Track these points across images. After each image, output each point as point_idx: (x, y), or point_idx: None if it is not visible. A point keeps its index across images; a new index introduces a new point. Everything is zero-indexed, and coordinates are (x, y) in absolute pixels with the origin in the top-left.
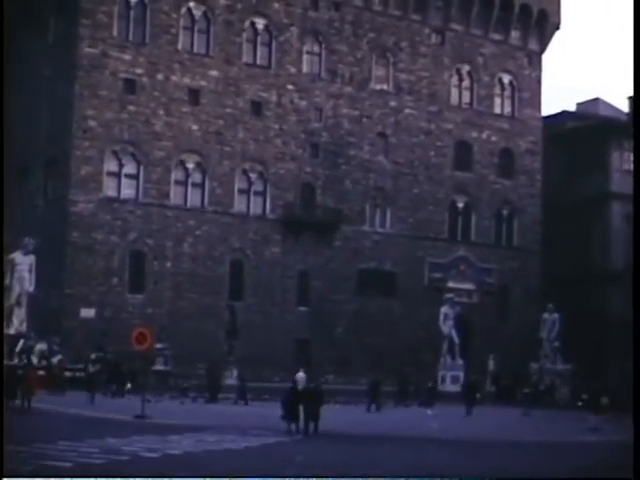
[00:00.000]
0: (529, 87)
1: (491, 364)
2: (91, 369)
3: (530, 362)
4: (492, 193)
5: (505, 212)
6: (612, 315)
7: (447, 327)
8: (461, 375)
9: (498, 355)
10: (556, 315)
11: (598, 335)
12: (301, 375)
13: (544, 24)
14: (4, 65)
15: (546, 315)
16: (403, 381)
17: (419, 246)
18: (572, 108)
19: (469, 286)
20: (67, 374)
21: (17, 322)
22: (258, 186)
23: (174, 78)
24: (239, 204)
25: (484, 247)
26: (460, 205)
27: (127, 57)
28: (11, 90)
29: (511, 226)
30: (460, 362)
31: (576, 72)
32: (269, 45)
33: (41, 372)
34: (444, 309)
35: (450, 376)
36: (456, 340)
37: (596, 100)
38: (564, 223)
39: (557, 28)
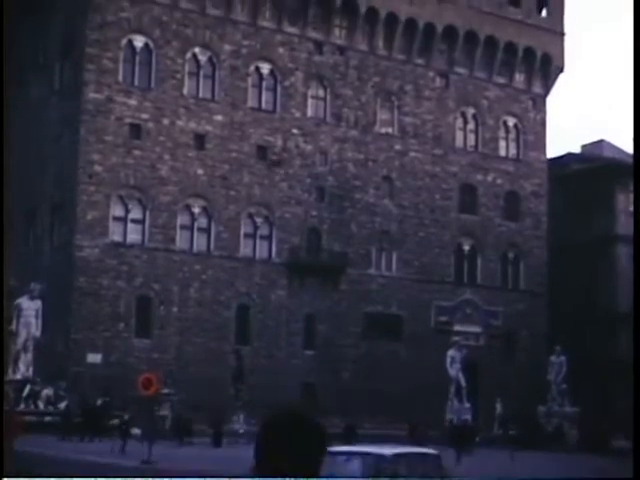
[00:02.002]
0: (534, 130)
1: (498, 407)
2: (125, 417)
3: (537, 405)
4: (498, 236)
5: (511, 254)
6: (619, 357)
7: (454, 370)
8: (469, 418)
9: (505, 398)
10: (563, 358)
11: (605, 377)
12: None
13: (548, 67)
14: (10, 110)
15: (553, 357)
16: (412, 425)
17: (425, 289)
18: (577, 150)
19: (475, 329)
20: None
21: (23, 367)
22: (264, 230)
23: (180, 123)
24: (245, 248)
25: (490, 290)
26: (466, 248)
27: (133, 102)
28: (17, 135)
29: (517, 268)
30: (467, 405)
31: (581, 114)
32: (274, 89)
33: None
34: (451, 352)
35: (458, 419)
36: (463, 383)
37: (601, 142)
38: (570, 265)
39: (561, 71)
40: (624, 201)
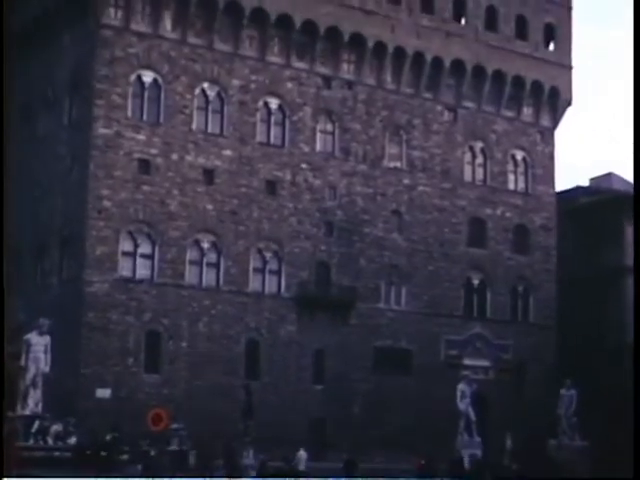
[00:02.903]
0: (542, 163)
1: (508, 441)
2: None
3: (548, 439)
4: (507, 269)
5: (520, 288)
6: (628, 389)
7: (464, 404)
8: (478, 453)
9: (515, 432)
10: (573, 391)
11: (614, 410)
12: (302, 454)
13: (556, 100)
14: (17, 145)
15: (563, 391)
16: (422, 458)
17: (435, 323)
18: (586, 183)
19: (485, 363)
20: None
21: (32, 403)
22: (273, 265)
23: (188, 158)
24: (254, 283)
25: (500, 323)
26: (475, 282)
27: (141, 137)
28: (26, 170)
29: (527, 302)
30: (477, 440)
31: (589, 147)
32: (283, 124)
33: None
34: (461, 386)
35: (468, 454)
36: (473, 418)
37: (609, 175)
38: (579, 297)
39: (569, 104)
40: (633, 233)
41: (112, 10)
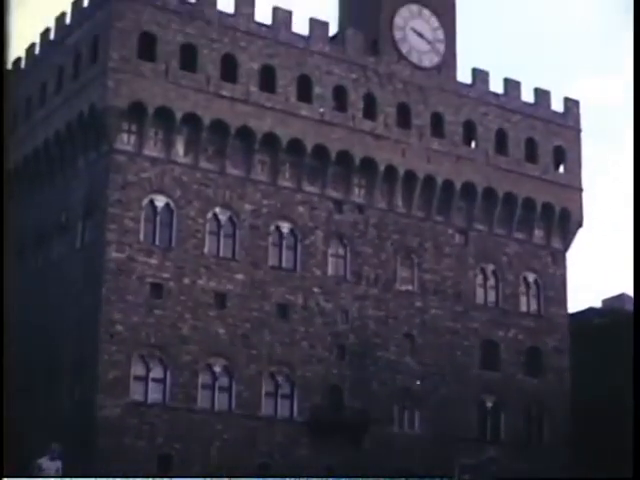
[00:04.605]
0: (554, 285)
1: None
2: None
3: None
4: (520, 392)
5: (534, 411)
6: None
7: None
8: None
9: None
10: None
11: None
12: None
13: (567, 222)
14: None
15: None
16: None
17: (448, 447)
18: (598, 304)
19: None
20: None
21: None
22: (285, 389)
23: (200, 282)
24: (266, 407)
25: (514, 447)
26: (489, 404)
27: (154, 261)
28: (39, 294)
29: (541, 425)
30: None
31: (601, 268)
32: (294, 248)
33: None
34: None
35: None
36: None
37: (621, 295)
38: (593, 419)
39: (580, 226)
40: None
41: (125, 136)
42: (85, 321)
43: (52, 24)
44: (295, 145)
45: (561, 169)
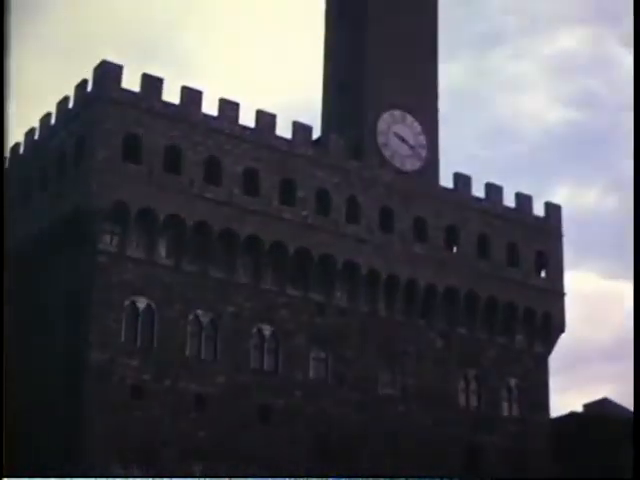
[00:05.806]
0: (536, 390)
1: None
2: None
3: None
4: None
5: None
6: None
7: None
8: None
9: None
10: None
11: None
12: None
13: (549, 327)
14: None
15: None
16: None
17: None
18: (579, 408)
19: None
20: None
21: None
22: None
23: (181, 384)
24: None
25: None
26: None
27: (134, 363)
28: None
29: None
30: None
31: (582, 372)
32: (276, 351)
33: None
34: None
35: None
36: None
37: (603, 400)
38: None
39: (562, 331)
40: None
41: (108, 237)
42: (66, 428)
43: (37, 124)
44: (278, 248)
45: (543, 274)
